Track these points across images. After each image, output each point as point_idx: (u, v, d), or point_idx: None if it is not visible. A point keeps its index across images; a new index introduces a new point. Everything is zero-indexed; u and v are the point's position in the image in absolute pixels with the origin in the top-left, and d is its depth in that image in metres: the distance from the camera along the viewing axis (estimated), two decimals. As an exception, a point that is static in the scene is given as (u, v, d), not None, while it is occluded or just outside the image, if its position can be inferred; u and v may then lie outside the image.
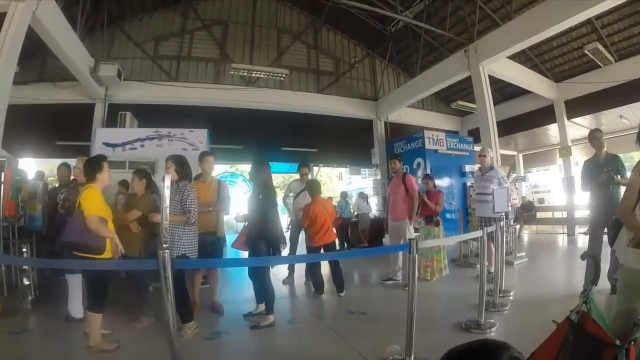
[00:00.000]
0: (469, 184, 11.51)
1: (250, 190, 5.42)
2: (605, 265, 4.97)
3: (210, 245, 4.90)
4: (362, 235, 12.65)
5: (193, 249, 4.25)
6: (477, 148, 10.71)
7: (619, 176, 4.98)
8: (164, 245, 2.78)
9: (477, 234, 4.90)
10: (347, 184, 28.40)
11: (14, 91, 7.05)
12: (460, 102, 14.76)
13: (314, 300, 5.88)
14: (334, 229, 6.37)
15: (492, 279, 5.06)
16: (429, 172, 11.13)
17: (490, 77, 10.72)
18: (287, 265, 7.36)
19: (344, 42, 16.24)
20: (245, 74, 12.24)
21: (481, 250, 4.57)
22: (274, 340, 4.15)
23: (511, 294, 5.46)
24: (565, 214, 14.15)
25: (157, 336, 3.72)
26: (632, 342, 1.68)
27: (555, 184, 18.08)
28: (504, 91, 14.89)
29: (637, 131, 2.80)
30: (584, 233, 11.47)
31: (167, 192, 2.82)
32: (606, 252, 4.14)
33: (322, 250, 5.98)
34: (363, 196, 13.67)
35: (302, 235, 6.76)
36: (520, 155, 19.71)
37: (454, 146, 12.72)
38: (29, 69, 10.60)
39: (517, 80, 12.39)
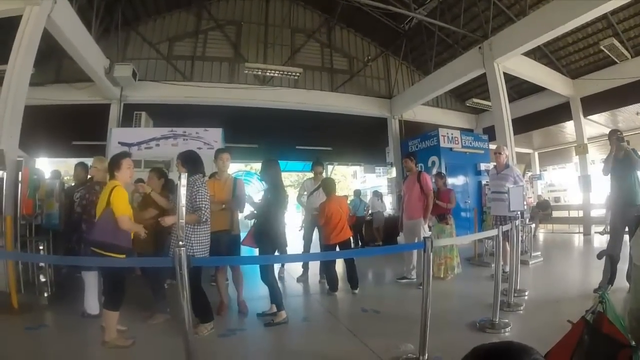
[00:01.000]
0: (484, 182, 11.43)
1: (263, 188, 5.44)
2: (623, 265, 4.95)
3: (226, 244, 4.87)
4: (376, 233, 12.63)
5: (203, 250, 4.10)
6: (493, 146, 10.62)
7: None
8: (180, 243, 2.83)
9: (492, 232, 4.86)
10: (361, 182, 28.30)
11: (31, 92, 7.18)
12: (475, 100, 14.65)
13: (328, 298, 5.89)
14: (349, 227, 6.37)
15: (507, 279, 5.03)
16: (443, 170, 11.09)
17: (505, 74, 10.64)
18: (301, 263, 7.40)
19: (357, 40, 16.23)
20: (260, 73, 12.31)
21: (496, 250, 4.54)
22: (288, 338, 4.18)
23: (526, 293, 5.42)
24: (581, 213, 13.96)
25: (173, 333, 3.79)
26: (648, 343, 1.68)
27: (571, 183, 17.83)
28: (519, 88, 14.74)
29: None
30: (600, 233, 11.38)
31: (183, 191, 2.86)
32: (625, 251, 4.07)
33: (337, 248, 6.00)
34: (377, 194, 13.64)
35: (315, 233, 6.80)
36: (536, 153, 19.51)
37: (469, 144, 12.64)
38: (45, 70, 10.78)
39: (533, 77, 12.27)
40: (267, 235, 4.64)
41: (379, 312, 5.01)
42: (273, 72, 12.03)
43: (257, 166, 20.90)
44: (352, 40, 16.14)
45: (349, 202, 9.30)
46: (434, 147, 12.22)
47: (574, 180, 15.84)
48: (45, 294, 5.38)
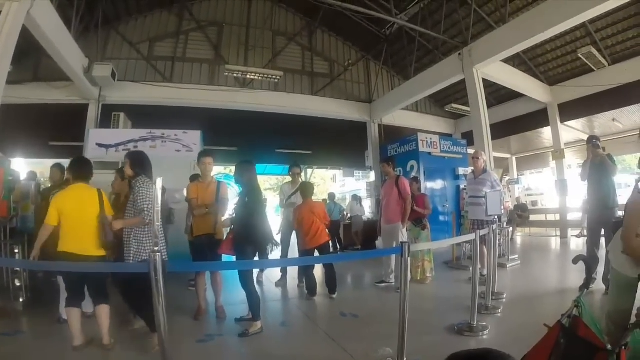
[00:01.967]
0: (462, 186, 11.54)
1: (238, 192, 5.24)
2: (601, 268, 5.06)
3: (208, 248, 4.79)
4: (355, 237, 12.65)
5: (146, 255, 3.73)
6: (471, 151, 10.74)
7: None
8: (155, 248, 2.76)
9: (470, 236, 4.90)
10: (340, 186, 28.43)
11: (8, 91, 6.97)
12: (454, 105, 14.80)
13: (307, 302, 5.85)
14: (327, 231, 6.32)
15: (484, 282, 5.06)
16: (422, 174, 11.17)
17: (484, 80, 10.76)
18: (279, 268, 7.35)
19: (338, 44, 16.29)
20: (240, 75, 12.21)
21: (474, 253, 4.57)
22: (266, 343, 4.11)
23: (504, 296, 5.47)
24: (558, 217, 14.23)
25: (150, 339, 3.73)
26: (623, 347, 1.68)
27: (548, 187, 18.17)
28: (497, 94, 14.97)
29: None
30: (577, 236, 11.59)
31: (158, 194, 2.78)
32: (603, 254, 4.15)
33: (316, 253, 5.96)
34: (356, 198, 13.68)
35: (294, 238, 6.76)
36: (514, 158, 19.81)
37: (447, 149, 12.73)
38: (23, 68, 10.54)
39: (511, 84, 12.45)
40: (247, 240, 4.44)
41: (357, 316, 5.00)
42: (253, 74, 11.92)
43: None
44: (333, 44, 16.18)
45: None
46: (413, 151, 12.28)
47: (551, 184, 16.16)
48: (21, 299, 5.26)
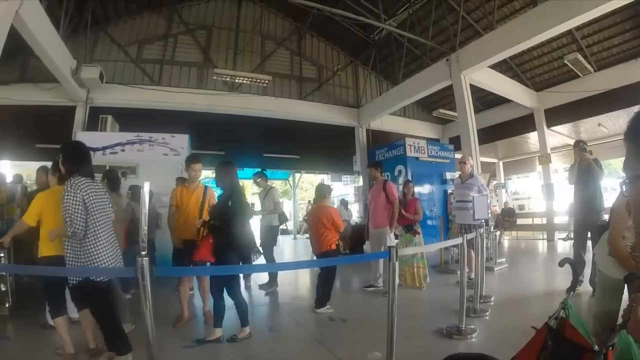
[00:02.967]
0: (449, 191, 11.60)
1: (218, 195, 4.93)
2: (588, 270, 5.12)
3: (190, 254, 4.70)
4: (343, 241, 12.60)
5: (80, 264, 3.32)
6: (458, 156, 10.80)
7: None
8: (142, 252, 2.72)
9: (457, 240, 4.91)
10: (329, 191, 28.34)
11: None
12: (441, 110, 14.93)
13: (295, 307, 5.83)
14: (337, 240, 5.84)
15: (472, 285, 5.09)
16: (410, 179, 11.21)
17: (471, 85, 10.85)
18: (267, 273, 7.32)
19: (327, 49, 16.31)
20: (228, 79, 12.15)
21: (461, 257, 4.59)
22: (255, 348, 4.08)
23: (492, 299, 5.50)
24: (544, 220, 14.39)
25: (136, 344, 3.64)
26: (610, 348, 1.69)
27: (535, 191, 18.33)
28: (485, 100, 15.09)
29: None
30: (563, 239, 11.70)
31: (145, 198, 2.74)
32: (589, 256, 4.20)
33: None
34: (344, 203, 13.68)
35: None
36: (501, 163, 20.01)
37: (435, 154, 12.82)
38: (10, 69, 10.43)
39: (498, 89, 12.57)
40: (230, 247, 4.14)
41: (346, 320, 4.99)
42: (242, 78, 11.90)
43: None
44: (322, 49, 16.20)
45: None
46: (400, 156, 12.35)
47: (538, 188, 16.32)
48: (7, 305, 5.16)
